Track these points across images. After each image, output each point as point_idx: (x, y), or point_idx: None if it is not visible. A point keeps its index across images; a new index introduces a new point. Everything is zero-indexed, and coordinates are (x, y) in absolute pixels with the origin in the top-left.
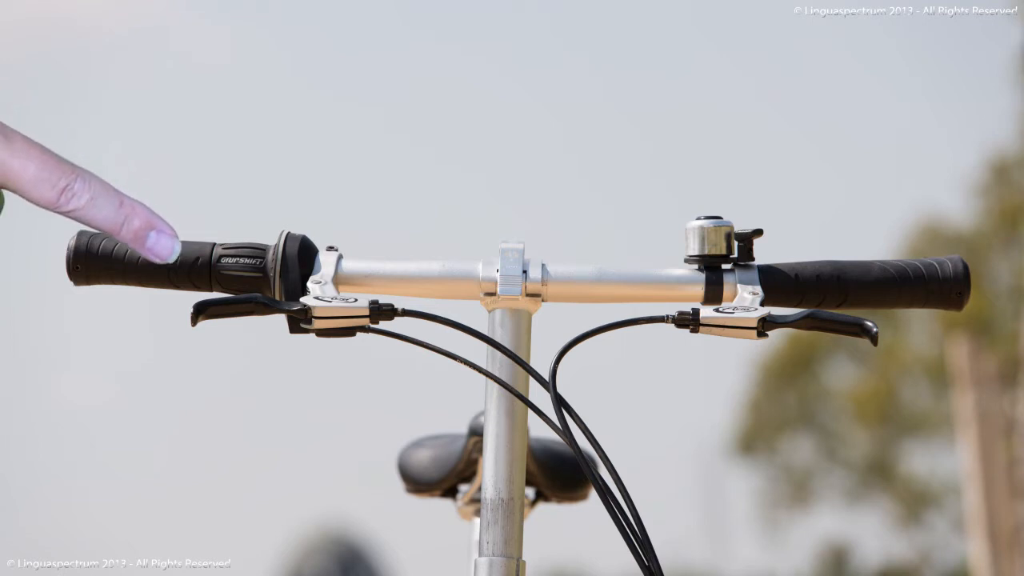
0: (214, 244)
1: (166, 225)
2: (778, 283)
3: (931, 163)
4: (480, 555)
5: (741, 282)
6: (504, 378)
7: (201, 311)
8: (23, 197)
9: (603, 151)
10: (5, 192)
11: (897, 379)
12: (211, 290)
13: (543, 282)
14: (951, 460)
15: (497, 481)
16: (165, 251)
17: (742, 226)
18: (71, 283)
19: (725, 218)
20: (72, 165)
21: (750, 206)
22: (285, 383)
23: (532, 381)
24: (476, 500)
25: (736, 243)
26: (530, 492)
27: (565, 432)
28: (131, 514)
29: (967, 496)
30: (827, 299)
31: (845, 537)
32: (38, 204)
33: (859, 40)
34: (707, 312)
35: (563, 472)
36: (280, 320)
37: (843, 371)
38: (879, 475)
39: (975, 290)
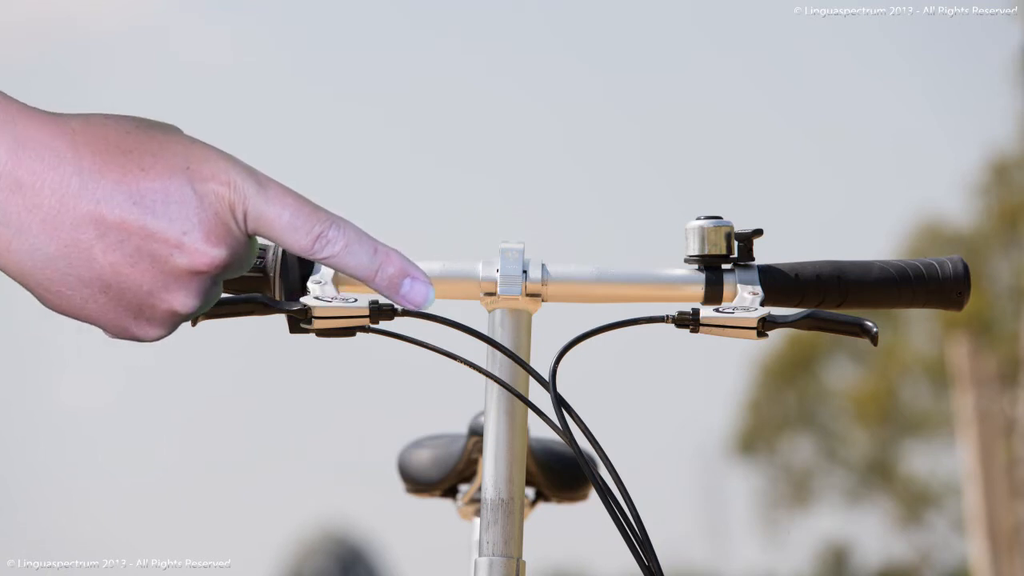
0: None
1: (420, 272)
2: (778, 283)
3: (931, 163)
4: (480, 555)
5: (741, 282)
6: (504, 378)
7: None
8: (277, 243)
9: (603, 151)
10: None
11: (897, 379)
12: None
13: (543, 282)
14: (951, 460)
15: (497, 481)
16: (419, 297)
17: (742, 226)
18: None
19: (725, 218)
20: (327, 212)
21: (750, 206)
22: (285, 383)
23: (532, 381)
24: (476, 500)
25: (736, 243)
26: (530, 492)
27: (565, 432)
28: (131, 514)
29: (967, 496)
30: (827, 299)
31: (845, 537)
32: (292, 251)
33: (859, 40)
34: (707, 312)
35: (563, 472)
36: (280, 320)
37: (843, 371)
38: (879, 475)
39: (975, 290)
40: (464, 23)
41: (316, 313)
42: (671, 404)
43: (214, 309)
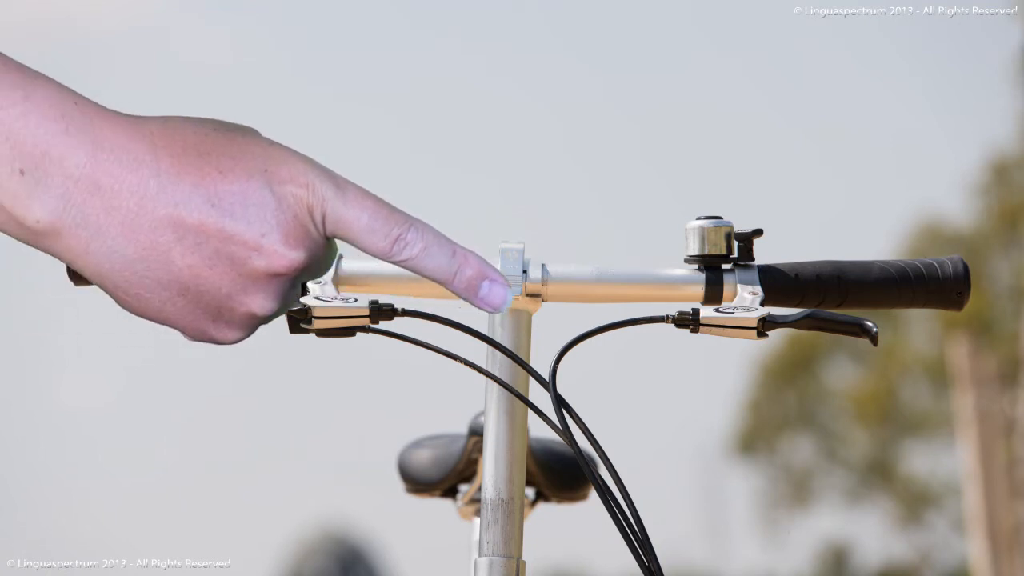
0: None
1: (498, 274)
2: (778, 283)
3: (931, 163)
4: (480, 555)
5: (741, 282)
6: (504, 378)
7: None
8: (355, 246)
9: (603, 151)
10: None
11: (897, 379)
12: None
13: (543, 282)
14: (951, 460)
15: (497, 481)
16: (498, 300)
17: (742, 226)
18: (71, 283)
19: (725, 218)
20: (405, 215)
21: (750, 206)
22: (285, 383)
23: (532, 381)
24: (476, 500)
25: (736, 243)
26: (530, 492)
27: (565, 432)
28: (131, 514)
29: (967, 496)
30: (827, 299)
31: (845, 537)
32: (370, 253)
33: (859, 40)
34: (707, 312)
35: (563, 472)
36: (280, 320)
37: (843, 371)
38: (879, 475)
39: (975, 290)
40: (464, 23)
41: (316, 313)
42: (671, 404)
43: None
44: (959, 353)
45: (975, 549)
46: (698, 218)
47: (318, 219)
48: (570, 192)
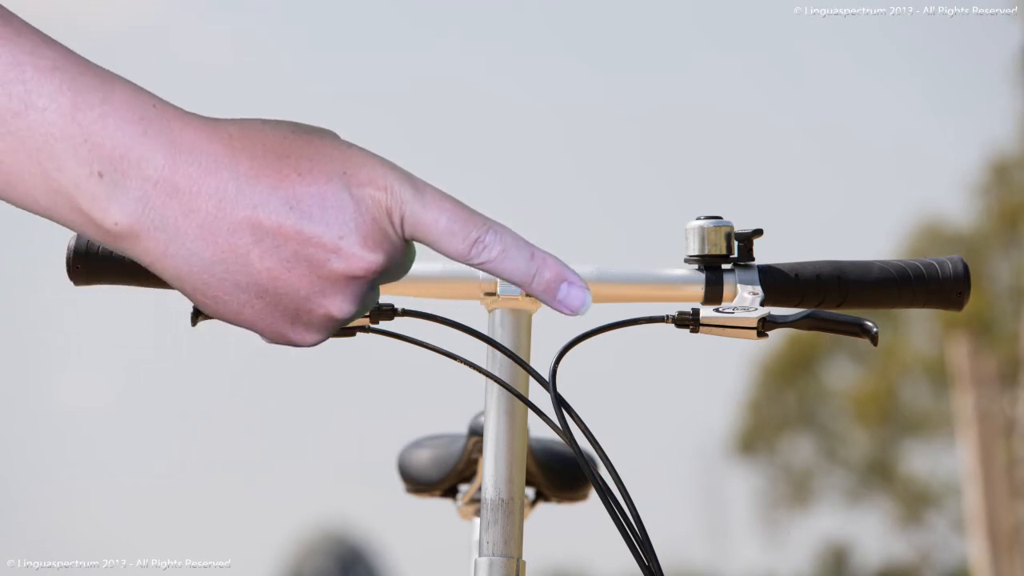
0: None
1: (577, 277)
2: (778, 283)
3: (931, 163)
4: (480, 555)
5: (741, 282)
6: (504, 378)
7: (201, 311)
8: (433, 249)
9: (603, 151)
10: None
11: (897, 379)
12: None
13: None
14: (951, 460)
15: (497, 481)
16: (577, 303)
17: (742, 226)
18: (71, 283)
19: (725, 218)
20: (483, 217)
21: (750, 206)
22: (285, 383)
23: (532, 381)
24: (476, 500)
25: (736, 243)
26: (530, 492)
27: (565, 432)
28: (131, 514)
29: (967, 496)
30: (827, 299)
31: (845, 537)
32: (449, 256)
33: (859, 40)
34: (707, 312)
35: (563, 472)
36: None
37: (843, 371)
38: (879, 475)
39: (975, 290)
40: (464, 23)
41: None
42: (671, 404)
43: None
44: (959, 353)
45: (975, 549)
46: (698, 218)
47: (396, 222)
48: (570, 192)
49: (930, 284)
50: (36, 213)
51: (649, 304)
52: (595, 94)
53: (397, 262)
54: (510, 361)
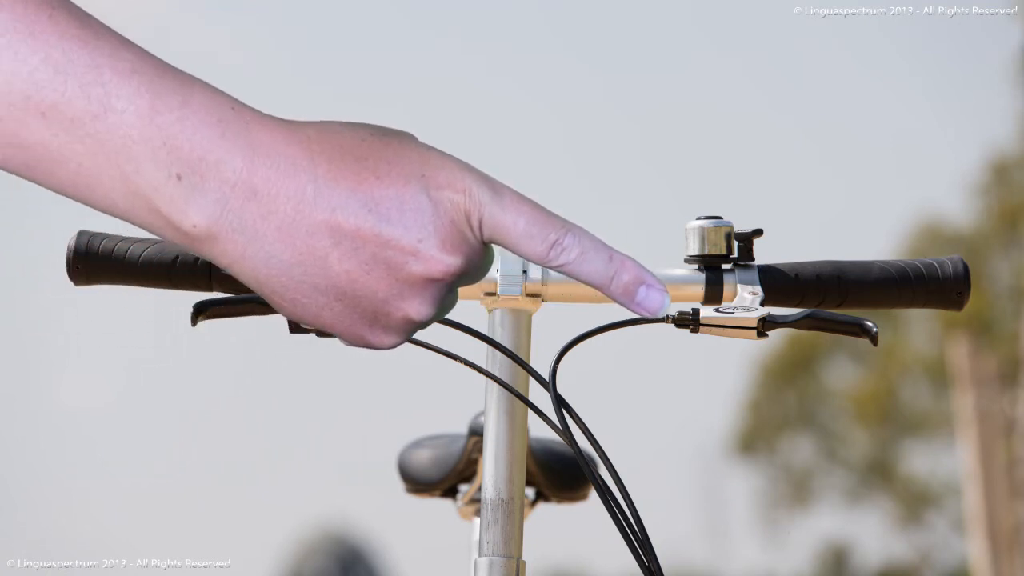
0: None
1: (655, 279)
2: (778, 283)
3: (931, 163)
4: (480, 555)
5: (741, 282)
6: (504, 378)
7: (201, 311)
8: (512, 251)
9: (603, 151)
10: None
11: (897, 379)
12: (211, 290)
13: (543, 282)
14: (951, 460)
15: (497, 481)
16: (656, 305)
17: (742, 226)
18: (71, 283)
19: (725, 218)
20: (562, 219)
21: (750, 206)
22: (285, 383)
23: (532, 381)
24: (476, 500)
25: (736, 243)
26: (530, 492)
27: (565, 432)
28: (131, 514)
29: (967, 496)
30: (827, 299)
31: (845, 537)
32: (527, 258)
33: (859, 40)
34: (707, 312)
35: (563, 472)
36: (280, 320)
37: (843, 371)
38: (879, 475)
39: (975, 290)
40: (464, 23)
41: None
42: (671, 404)
43: (214, 309)
44: (959, 353)
45: (975, 549)
46: (698, 218)
47: (475, 224)
48: (570, 192)
49: (930, 284)
50: (115, 215)
51: None
52: (595, 94)
53: (476, 265)
54: (510, 361)
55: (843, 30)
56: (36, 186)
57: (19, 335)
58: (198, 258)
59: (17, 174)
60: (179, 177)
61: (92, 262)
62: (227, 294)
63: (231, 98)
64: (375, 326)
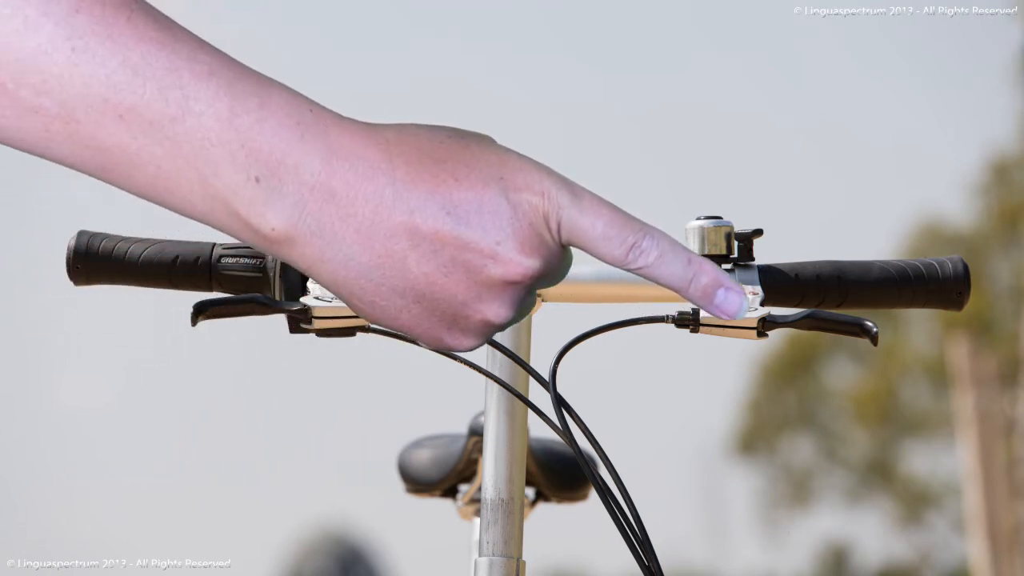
0: (214, 244)
1: (733, 282)
2: (778, 283)
3: (931, 163)
4: (480, 555)
5: (741, 282)
6: (504, 378)
7: (201, 311)
8: (590, 254)
9: (603, 151)
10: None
11: (897, 379)
12: (211, 290)
13: None
14: (951, 460)
15: (497, 481)
16: (734, 308)
17: (742, 226)
18: (71, 283)
19: (725, 218)
20: (640, 222)
21: (750, 206)
22: (285, 383)
23: (532, 381)
24: (476, 500)
25: (736, 243)
26: (530, 492)
27: (565, 432)
28: (131, 514)
29: (967, 496)
30: (827, 299)
31: (845, 537)
32: (606, 261)
33: (859, 40)
34: (707, 312)
35: (563, 472)
36: (280, 320)
37: (843, 371)
38: (879, 475)
39: (975, 290)
40: (464, 23)
41: (316, 313)
42: (671, 404)
43: (214, 309)
44: (959, 353)
45: (975, 549)
46: (698, 218)
47: (553, 227)
48: None
49: (930, 284)
50: (193, 218)
51: (649, 304)
52: (595, 94)
53: (554, 267)
54: (510, 361)
55: (843, 30)
56: (36, 187)
57: (19, 335)
58: (198, 258)
59: (94, 176)
60: (257, 180)
61: (92, 262)
62: (227, 294)
63: (309, 100)
64: (454, 328)
